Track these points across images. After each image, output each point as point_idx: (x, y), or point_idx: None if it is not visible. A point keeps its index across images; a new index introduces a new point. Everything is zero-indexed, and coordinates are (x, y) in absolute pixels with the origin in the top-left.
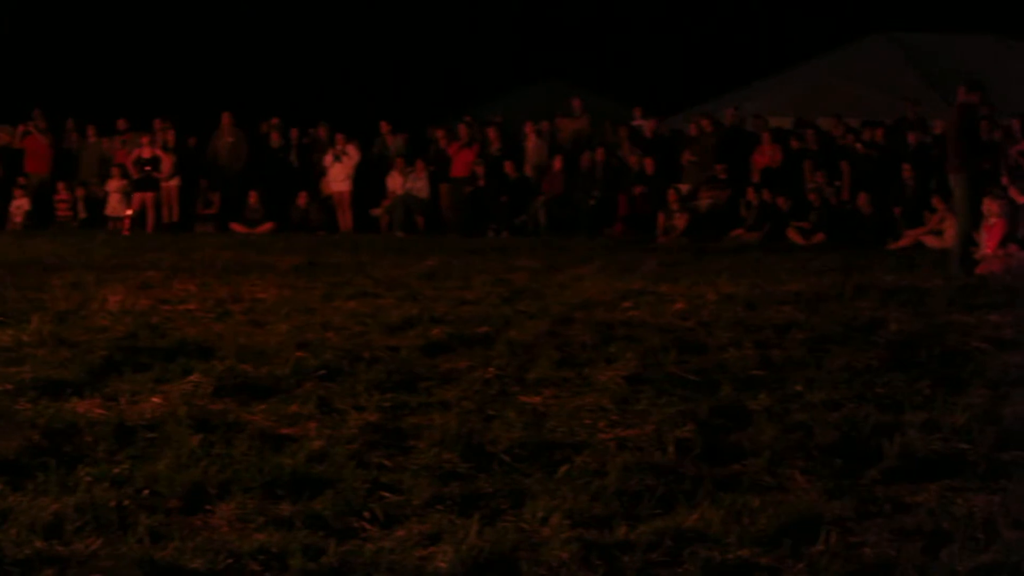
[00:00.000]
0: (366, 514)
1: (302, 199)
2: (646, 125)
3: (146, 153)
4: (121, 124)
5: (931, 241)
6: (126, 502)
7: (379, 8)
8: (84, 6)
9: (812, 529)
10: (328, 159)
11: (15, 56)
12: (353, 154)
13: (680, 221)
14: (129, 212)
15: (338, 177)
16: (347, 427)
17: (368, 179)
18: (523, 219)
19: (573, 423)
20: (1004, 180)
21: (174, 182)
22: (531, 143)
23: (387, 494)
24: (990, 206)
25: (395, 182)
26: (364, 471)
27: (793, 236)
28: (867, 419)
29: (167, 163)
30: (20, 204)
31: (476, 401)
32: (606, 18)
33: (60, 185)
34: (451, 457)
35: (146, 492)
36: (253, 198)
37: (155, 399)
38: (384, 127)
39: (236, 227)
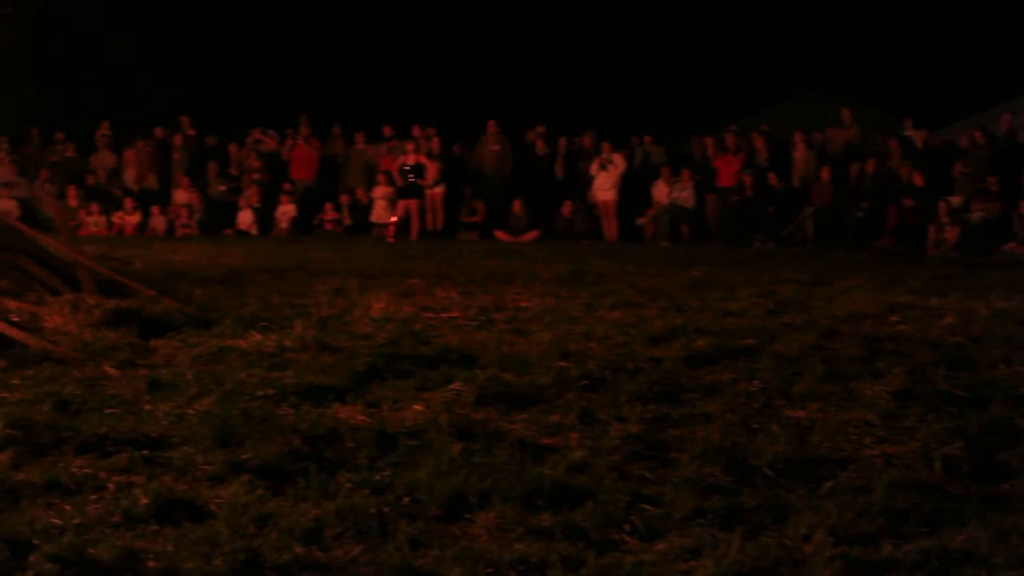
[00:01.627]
0: (626, 526)
1: (567, 208)
2: (917, 136)
3: (411, 160)
4: (387, 131)
5: None
6: (386, 509)
7: (647, 19)
8: (350, 13)
9: None
10: (594, 168)
11: (282, 62)
12: (619, 163)
13: (951, 234)
14: (394, 219)
15: (604, 186)
16: (608, 438)
17: (634, 188)
18: (790, 230)
19: (838, 438)
20: None
21: (439, 189)
22: (799, 153)
23: (648, 506)
24: None
25: (661, 192)
26: (625, 483)
27: None
28: None
29: (432, 170)
30: (286, 210)
31: (740, 414)
32: (875, 28)
33: (328, 205)
34: (713, 470)
35: (406, 500)
36: (517, 206)
37: (417, 406)
38: (647, 138)
39: (500, 235)
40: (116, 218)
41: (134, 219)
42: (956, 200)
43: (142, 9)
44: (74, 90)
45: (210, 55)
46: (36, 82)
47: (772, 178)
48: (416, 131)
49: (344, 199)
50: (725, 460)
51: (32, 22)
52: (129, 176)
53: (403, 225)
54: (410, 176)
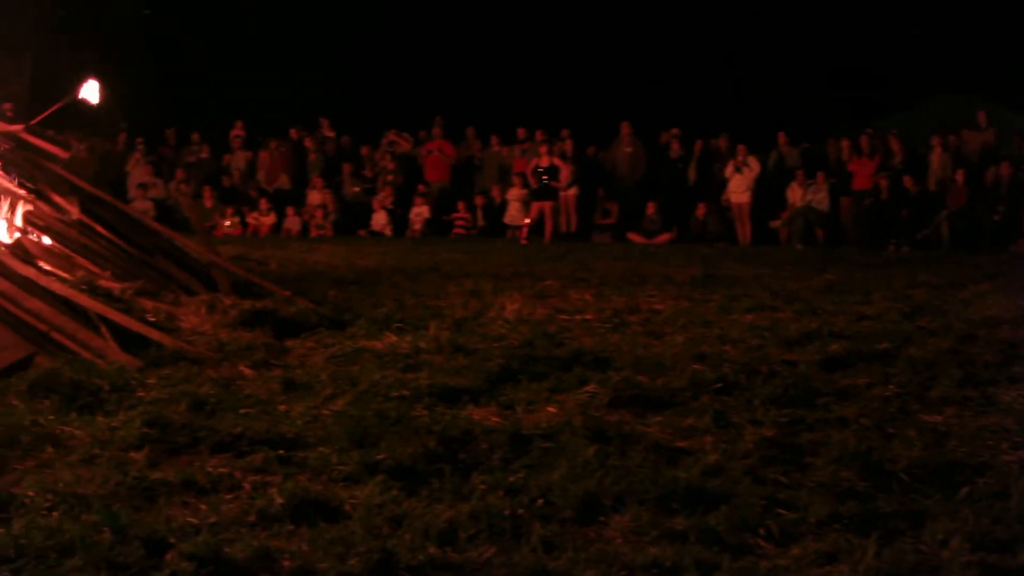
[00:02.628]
0: (761, 530)
1: (701, 210)
2: None
3: (544, 162)
4: (521, 133)
5: None
6: (520, 511)
7: (784, 21)
8: (485, 15)
9: None
10: (729, 170)
11: (417, 63)
12: (754, 166)
13: None
14: (527, 221)
15: (738, 188)
16: (743, 442)
17: (768, 191)
18: (925, 233)
19: (975, 443)
20: None
21: (572, 192)
22: (936, 156)
23: (783, 511)
24: None
25: (795, 194)
26: (760, 487)
27: None
28: None
29: (565, 172)
30: (420, 212)
31: (875, 418)
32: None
33: (460, 204)
34: (849, 475)
35: (540, 501)
36: (651, 208)
37: (551, 408)
38: (782, 138)
39: (634, 237)
40: (251, 219)
41: (269, 220)
42: None
43: (277, 11)
44: (210, 91)
45: (345, 57)
46: (172, 83)
47: (908, 181)
48: (539, 135)
49: (478, 200)
50: (860, 465)
51: (168, 23)
52: (263, 177)
53: (536, 227)
54: (544, 178)
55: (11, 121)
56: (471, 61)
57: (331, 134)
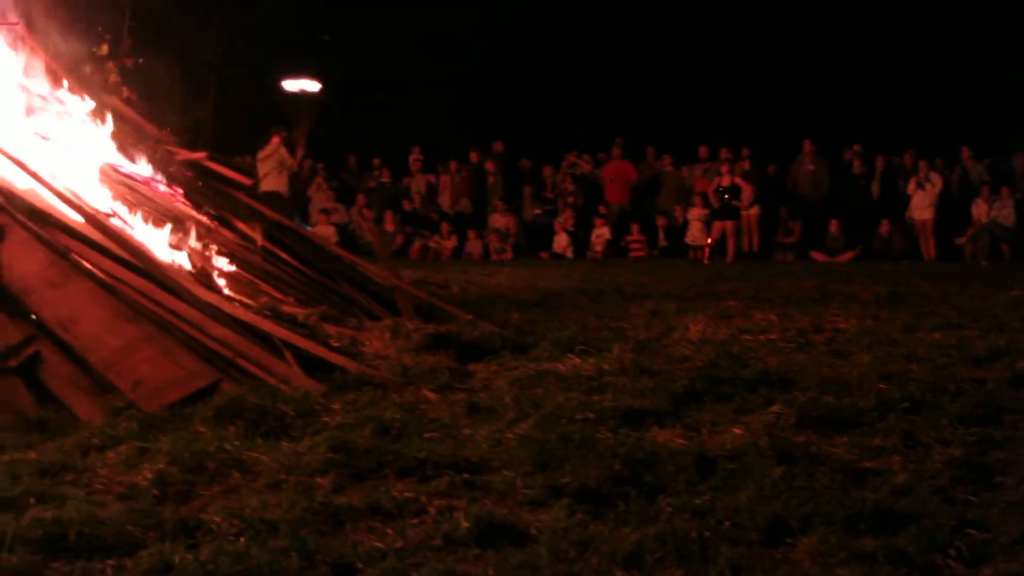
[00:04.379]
0: (951, 551)
1: (885, 227)
2: None
3: (726, 181)
4: (703, 152)
5: None
6: (707, 533)
7: (968, 34)
8: (662, 37)
9: None
10: (912, 186)
11: (596, 84)
12: (937, 181)
13: None
14: (709, 241)
15: (922, 204)
16: (931, 461)
17: (953, 206)
18: None
19: None
20: None
21: (754, 211)
22: None
23: (973, 531)
24: None
25: (980, 210)
26: (949, 507)
27: None
28: None
29: (747, 191)
30: (601, 233)
31: None
32: None
33: (634, 227)
34: None
35: (727, 524)
36: (834, 226)
37: (736, 430)
38: (965, 153)
39: (817, 256)
40: (433, 242)
41: (450, 243)
42: None
43: (455, 33)
44: (389, 116)
45: (524, 79)
46: (353, 110)
47: None
48: (724, 153)
49: (659, 221)
50: None
51: (347, 50)
52: (444, 200)
53: (719, 246)
54: (726, 197)
55: (194, 148)
56: (651, 82)
57: (504, 156)
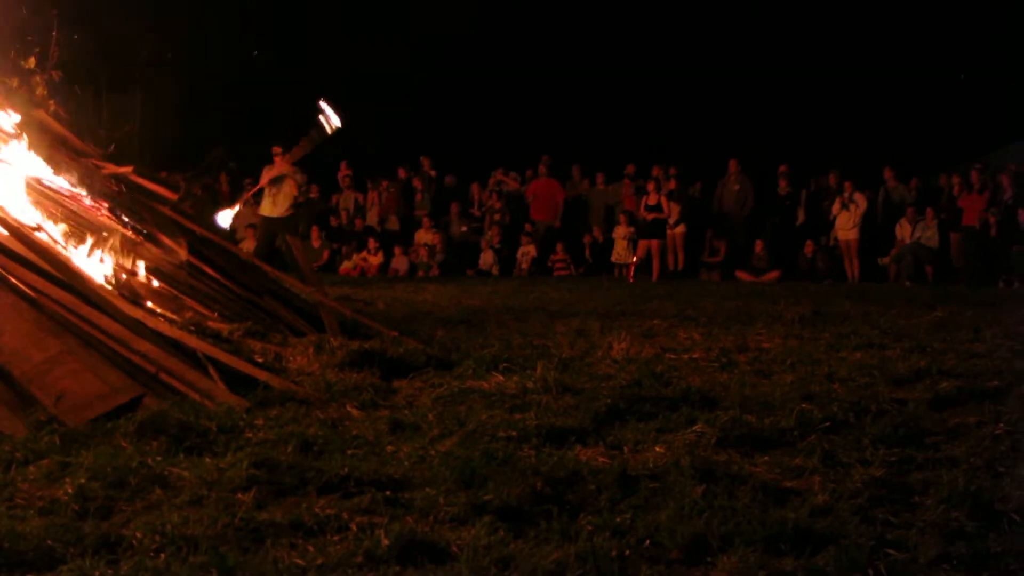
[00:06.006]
0: (870, 571)
1: (809, 248)
2: None
3: (651, 200)
4: (629, 170)
5: None
6: (627, 551)
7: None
8: (589, 55)
9: None
10: (836, 207)
11: (523, 103)
12: (861, 202)
13: None
14: (635, 259)
15: (846, 225)
16: (852, 481)
17: (876, 227)
18: None
19: None
20: None
21: (680, 229)
22: None
23: (892, 551)
24: None
25: (904, 230)
26: (869, 527)
27: None
28: None
29: (673, 210)
30: (527, 251)
31: (985, 457)
32: None
33: (559, 245)
34: (958, 515)
35: (648, 542)
36: (759, 246)
37: (658, 448)
38: (888, 174)
39: (742, 275)
40: (359, 259)
41: (377, 259)
42: None
43: (381, 50)
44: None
45: (451, 96)
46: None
47: (1022, 215)
48: (655, 171)
49: (585, 239)
50: (970, 504)
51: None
52: (372, 216)
53: (644, 265)
54: (651, 216)
55: (120, 162)
56: (577, 100)
57: (432, 173)
